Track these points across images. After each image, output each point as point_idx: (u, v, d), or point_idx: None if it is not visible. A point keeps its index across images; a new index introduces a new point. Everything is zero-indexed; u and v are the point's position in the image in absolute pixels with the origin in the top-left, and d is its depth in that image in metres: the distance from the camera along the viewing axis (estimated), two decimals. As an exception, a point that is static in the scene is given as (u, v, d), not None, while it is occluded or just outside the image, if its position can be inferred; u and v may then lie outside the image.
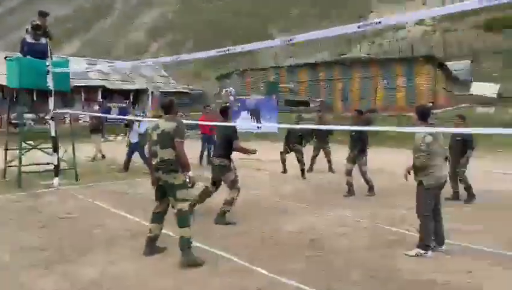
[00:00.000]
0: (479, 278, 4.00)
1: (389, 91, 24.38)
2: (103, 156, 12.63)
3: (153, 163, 4.49)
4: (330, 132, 10.38)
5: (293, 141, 9.83)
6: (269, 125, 18.69)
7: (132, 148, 10.20)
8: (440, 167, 4.67)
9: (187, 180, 4.42)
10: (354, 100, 25.35)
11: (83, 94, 26.88)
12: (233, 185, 5.85)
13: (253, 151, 5.91)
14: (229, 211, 5.83)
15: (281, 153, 10.14)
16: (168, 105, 4.59)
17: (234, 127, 6.04)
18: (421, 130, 4.60)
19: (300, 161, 9.61)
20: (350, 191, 7.73)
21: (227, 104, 4.49)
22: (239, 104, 21.37)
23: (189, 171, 4.44)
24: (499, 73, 31.30)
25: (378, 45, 43.81)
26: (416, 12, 4.18)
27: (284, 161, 10.10)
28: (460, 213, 6.45)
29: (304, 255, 4.60)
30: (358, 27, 3.01)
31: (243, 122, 20.18)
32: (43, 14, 8.66)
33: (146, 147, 5.91)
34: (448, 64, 28.92)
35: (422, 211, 4.68)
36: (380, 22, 2.79)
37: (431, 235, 4.65)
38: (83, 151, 11.38)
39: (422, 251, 4.57)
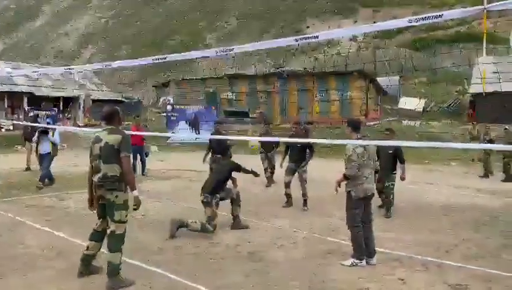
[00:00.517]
0: (411, 285, 4.16)
1: (324, 104, 25.27)
2: (27, 168, 11.72)
3: (94, 179, 4.04)
4: (277, 143, 10.30)
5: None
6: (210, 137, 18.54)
7: (45, 159, 9.19)
8: (369, 178, 4.80)
9: (133, 200, 4.01)
10: (292, 112, 25.96)
11: (6, 101, 24.99)
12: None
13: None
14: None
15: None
16: (110, 114, 4.16)
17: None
18: (356, 142, 4.73)
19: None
20: (288, 202, 7.79)
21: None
22: (177, 114, 21.01)
23: (135, 190, 4.03)
24: (424, 89, 33.66)
25: (314, 59, 45.39)
26: (352, 28, 4.32)
27: None
28: (392, 222, 6.74)
29: (242, 269, 4.53)
30: (296, 40, 3.04)
31: (182, 132, 19.85)
32: None
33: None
34: (379, 79, 30.62)
35: (351, 222, 4.79)
36: (317, 37, 2.83)
37: (362, 245, 4.73)
38: (7, 162, 10.52)
39: (357, 261, 4.66)
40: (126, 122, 15.31)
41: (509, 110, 19.36)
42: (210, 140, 9.12)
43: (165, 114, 24.35)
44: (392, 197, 7.24)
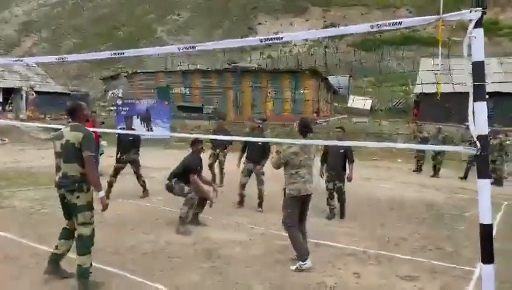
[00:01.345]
0: (365, 279, 4.35)
1: (278, 101, 25.59)
2: None
3: (55, 178, 3.83)
4: (230, 142, 9.92)
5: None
6: (164, 133, 18.19)
7: None
8: (305, 178, 4.66)
9: (99, 201, 3.79)
10: (246, 109, 26.07)
11: None
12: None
13: None
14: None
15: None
16: (73, 110, 3.93)
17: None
18: (317, 142, 4.75)
19: None
20: (241, 203, 7.64)
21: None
22: (127, 109, 20.40)
23: (101, 191, 3.83)
24: (372, 88, 35.00)
25: (267, 57, 45.76)
26: (315, 31, 4.35)
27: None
28: (345, 218, 6.98)
29: (199, 267, 4.52)
30: (261, 41, 3.07)
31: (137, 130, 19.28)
32: None
33: None
34: (330, 78, 31.45)
35: (286, 221, 4.68)
36: (281, 38, 2.87)
37: (301, 243, 4.65)
38: None
39: (302, 263, 4.54)
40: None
41: (448, 110, 20.61)
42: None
43: (114, 108, 23.58)
44: (344, 196, 7.12)
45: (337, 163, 7.05)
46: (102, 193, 3.85)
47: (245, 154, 7.81)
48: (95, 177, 3.80)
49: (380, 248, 5.37)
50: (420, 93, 24.32)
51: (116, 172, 8.02)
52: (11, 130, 18.15)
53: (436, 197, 9.37)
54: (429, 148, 12.85)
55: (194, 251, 5.08)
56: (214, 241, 5.46)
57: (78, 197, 3.75)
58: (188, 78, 27.89)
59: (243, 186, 7.60)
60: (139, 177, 8.30)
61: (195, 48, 3.42)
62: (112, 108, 26.75)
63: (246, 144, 7.81)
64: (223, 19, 57.08)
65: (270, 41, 2.95)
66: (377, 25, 2.60)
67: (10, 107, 26.28)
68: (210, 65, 34.92)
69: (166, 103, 21.06)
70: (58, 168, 3.83)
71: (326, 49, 42.65)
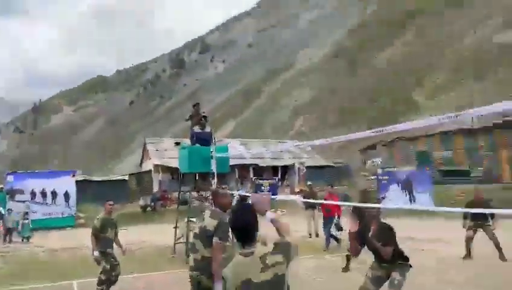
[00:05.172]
0: None
1: None
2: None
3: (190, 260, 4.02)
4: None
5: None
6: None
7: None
8: None
9: None
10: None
11: (236, 172, 29.22)
12: None
13: None
14: None
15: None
16: (213, 195, 4.20)
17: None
18: None
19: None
20: None
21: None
22: (388, 177, 20.48)
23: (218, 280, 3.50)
24: None
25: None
26: None
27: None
28: None
29: None
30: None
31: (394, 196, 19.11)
32: (197, 105, 10.54)
33: None
34: None
35: None
36: None
37: None
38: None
39: None
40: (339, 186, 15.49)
41: None
42: None
43: (374, 177, 24.07)
44: None
45: None
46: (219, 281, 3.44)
47: None
48: (214, 265, 3.67)
49: None
50: None
51: None
52: (288, 203, 20.78)
53: None
54: None
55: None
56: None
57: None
58: (450, 140, 26.05)
59: None
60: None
61: (457, 116, 3.29)
62: (371, 177, 27.40)
63: None
64: (489, 69, 51.53)
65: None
66: None
67: (287, 183, 30.47)
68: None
69: (427, 168, 20.11)
70: (193, 250, 3.97)
71: None
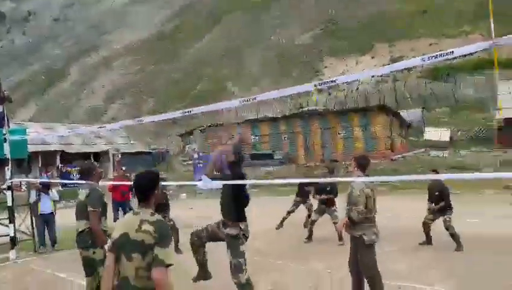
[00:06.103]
0: None
1: (348, 141, 25.25)
2: None
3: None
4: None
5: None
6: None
7: (47, 219, 8.47)
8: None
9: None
10: (316, 151, 26.03)
11: (40, 159, 26.06)
12: None
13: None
14: None
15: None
16: (84, 170, 4.47)
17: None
18: (363, 179, 4.31)
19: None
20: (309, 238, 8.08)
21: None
22: (203, 161, 21.34)
23: (105, 245, 3.80)
24: (447, 118, 33.29)
25: (334, 97, 45.84)
26: (368, 71, 4.42)
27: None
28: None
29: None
30: (315, 85, 3.20)
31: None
32: None
33: None
34: (402, 112, 30.52)
35: (372, 270, 4.29)
36: (335, 81, 2.98)
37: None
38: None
39: None
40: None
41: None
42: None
43: (191, 162, 24.79)
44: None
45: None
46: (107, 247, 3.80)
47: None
48: (97, 232, 3.97)
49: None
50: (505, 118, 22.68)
51: None
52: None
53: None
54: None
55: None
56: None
57: (94, 252, 4.07)
58: (258, 126, 28.72)
59: (313, 222, 8.05)
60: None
61: (255, 99, 3.64)
62: (189, 161, 28.14)
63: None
64: (292, 66, 58.52)
65: (325, 85, 3.06)
66: (428, 57, 2.62)
67: (100, 170, 28.70)
68: (279, 112, 35.72)
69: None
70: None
71: (396, 82, 41.76)
